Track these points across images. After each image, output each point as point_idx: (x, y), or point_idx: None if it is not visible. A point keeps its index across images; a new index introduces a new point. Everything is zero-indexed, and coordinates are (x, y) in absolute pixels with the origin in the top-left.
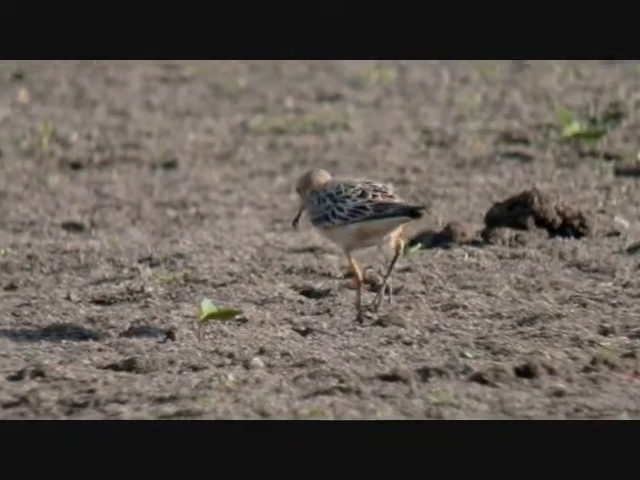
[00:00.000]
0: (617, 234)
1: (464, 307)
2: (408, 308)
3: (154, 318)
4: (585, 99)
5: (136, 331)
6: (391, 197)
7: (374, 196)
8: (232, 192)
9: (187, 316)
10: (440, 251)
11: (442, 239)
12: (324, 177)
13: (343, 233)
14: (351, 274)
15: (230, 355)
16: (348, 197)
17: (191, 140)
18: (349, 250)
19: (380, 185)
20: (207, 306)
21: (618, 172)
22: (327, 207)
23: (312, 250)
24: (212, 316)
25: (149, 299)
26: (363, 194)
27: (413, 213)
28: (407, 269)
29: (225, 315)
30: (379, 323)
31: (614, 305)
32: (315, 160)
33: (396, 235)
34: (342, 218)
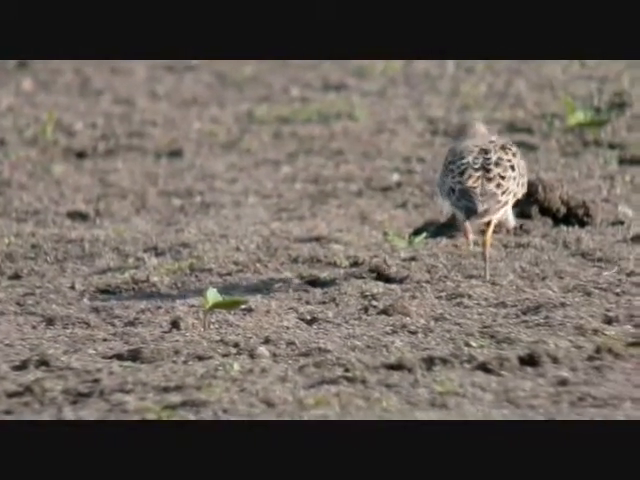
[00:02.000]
0: (621, 223)
1: (469, 296)
2: (413, 297)
3: (159, 308)
4: (589, 88)
5: (141, 321)
6: (490, 180)
7: (469, 176)
8: (237, 181)
9: (192, 306)
10: (445, 240)
11: (447, 228)
12: (474, 133)
13: (446, 206)
14: (464, 236)
15: (236, 345)
16: (452, 171)
17: (196, 129)
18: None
19: (495, 157)
20: (212, 295)
21: (622, 161)
22: (440, 175)
23: (318, 239)
24: (217, 305)
25: (154, 289)
26: (462, 172)
27: (468, 217)
28: (412, 258)
29: (230, 305)
30: (384, 312)
31: (618, 294)
32: (321, 149)
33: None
34: (441, 193)
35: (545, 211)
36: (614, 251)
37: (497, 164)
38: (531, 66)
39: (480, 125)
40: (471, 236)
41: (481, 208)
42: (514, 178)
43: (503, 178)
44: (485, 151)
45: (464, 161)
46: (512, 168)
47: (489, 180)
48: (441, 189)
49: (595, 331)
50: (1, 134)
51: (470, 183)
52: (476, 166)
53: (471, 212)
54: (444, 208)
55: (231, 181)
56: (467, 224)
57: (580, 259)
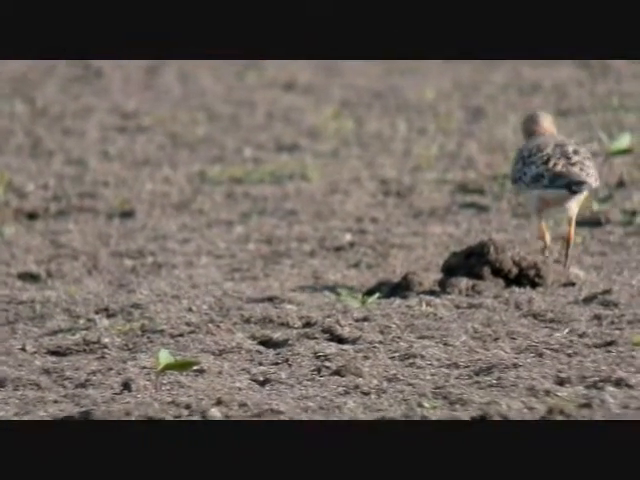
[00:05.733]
0: (573, 284)
1: (422, 357)
2: (366, 358)
3: (110, 369)
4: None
5: (92, 382)
6: (573, 164)
7: (555, 164)
8: (190, 241)
9: (144, 367)
10: (398, 300)
11: (400, 288)
12: (542, 126)
13: (528, 198)
14: (540, 237)
15: (187, 406)
16: (533, 163)
17: (148, 189)
18: (538, 213)
19: (572, 149)
20: (164, 357)
21: None
22: (518, 170)
23: (270, 300)
24: (169, 367)
25: (105, 350)
26: (547, 160)
27: (571, 189)
28: (365, 318)
29: (182, 366)
30: (337, 373)
31: (570, 355)
32: (273, 209)
33: (571, 214)
34: (525, 184)
35: (497, 272)
36: (565, 312)
37: (576, 152)
38: (482, 128)
39: (547, 121)
40: (547, 237)
41: (583, 177)
42: (592, 167)
43: (584, 164)
44: (561, 145)
45: (544, 152)
46: (588, 159)
47: (572, 165)
48: (524, 180)
49: (547, 392)
50: None
51: (559, 168)
52: (557, 155)
53: (574, 183)
54: (530, 200)
55: (183, 241)
56: (543, 224)
57: (532, 320)
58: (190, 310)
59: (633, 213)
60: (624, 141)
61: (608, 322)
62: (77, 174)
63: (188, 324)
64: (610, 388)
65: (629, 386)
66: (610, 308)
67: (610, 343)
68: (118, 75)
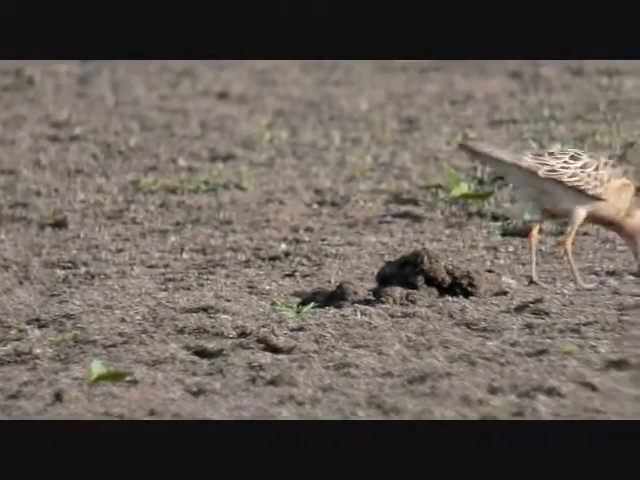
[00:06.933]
0: (505, 293)
1: (356, 366)
2: (301, 367)
3: (42, 380)
4: (473, 161)
5: (24, 394)
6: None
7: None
8: (123, 251)
9: (76, 378)
10: (333, 310)
11: (335, 298)
12: None
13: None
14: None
15: (120, 417)
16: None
17: (81, 199)
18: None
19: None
20: (97, 368)
21: (505, 232)
22: None
23: (205, 310)
24: (102, 378)
25: (37, 361)
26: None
27: None
28: (300, 328)
29: (115, 377)
30: (272, 383)
31: (502, 364)
32: (208, 219)
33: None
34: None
35: (430, 281)
36: (498, 321)
37: None
38: (415, 138)
39: None
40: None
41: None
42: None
43: None
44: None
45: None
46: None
47: None
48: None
49: (480, 401)
50: None
51: None
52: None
53: None
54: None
55: (116, 251)
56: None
57: (465, 329)
58: (123, 320)
59: (564, 223)
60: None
61: (540, 331)
62: (8, 183)
63: (121, 334)
64: (542, 397)
65: (560, 395)
66: (542, 317)
67: (542, 352)
68: (50, 84)
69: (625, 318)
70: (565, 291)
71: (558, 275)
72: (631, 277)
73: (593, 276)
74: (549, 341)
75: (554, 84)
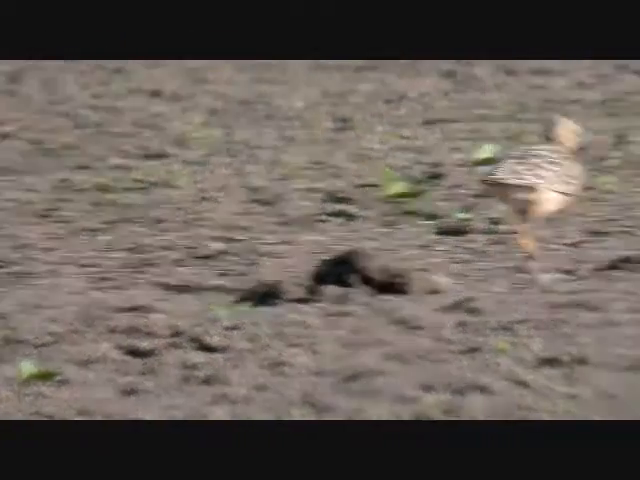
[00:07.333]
0: (438, 292)
1: (290, 365)
2: (235, 366)
3: None
4: (407, 159)
5: None
6: None
7: None
8: (54, 250)
9: (7, 378)
10: (267, 309)
11: (269, 297)
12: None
13: None
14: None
15: (50, 417)
16: None
17: (11, 197)
18: None
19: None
20: (27, 367)
21: (439, 231)
22: None
23: (137, 309)
24: (32, 377)
25: None
26: None
27: None
28: (234, 327)
29: (45, 376)
30: (205, 382)
31: (435, 362)
32: (140, 217)
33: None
34: None
35: (365, 280)
36: (431, 319)
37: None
38: (350, 137)
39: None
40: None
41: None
42: None
43: None
44: None
45: None
46: None
47: None
48: None
49: (413, 399)
50: None
51: None
52: None
53: None
54: None
55: (47, 250)
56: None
57: (399, 327)
58: (54, 320)
59: (496, 222)
60: (487, 151)
61: (472, 329)
62: None
63: (52, 334)
64: (475, 395)
65: (493, 393)
66: (474, 315)
67: (475, 350)
68: None
69: (557, 316)
70: (497, 289)
71: (490, 273)
72: (562, 275)
73: (524, 275)
74: (482, 339)
75: (487, 84)
